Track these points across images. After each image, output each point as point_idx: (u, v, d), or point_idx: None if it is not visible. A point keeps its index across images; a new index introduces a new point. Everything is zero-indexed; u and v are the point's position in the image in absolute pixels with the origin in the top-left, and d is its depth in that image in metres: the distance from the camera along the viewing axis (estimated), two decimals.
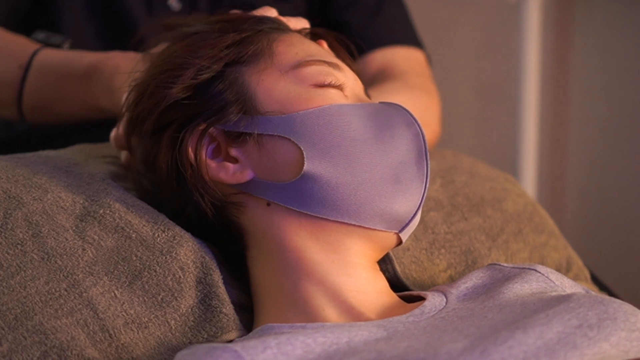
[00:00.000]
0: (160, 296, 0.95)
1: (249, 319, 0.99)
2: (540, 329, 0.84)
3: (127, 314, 0.94)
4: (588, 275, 1.26)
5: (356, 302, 0.95)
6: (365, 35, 1.42)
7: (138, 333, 0.94)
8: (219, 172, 0.98)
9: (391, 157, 0.97)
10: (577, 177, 2.23)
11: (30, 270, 0.94)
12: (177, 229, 1.00)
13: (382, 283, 0.99)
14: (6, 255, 0.94)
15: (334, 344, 0.86)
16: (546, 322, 0.85)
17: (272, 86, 0.99)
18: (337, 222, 0.96)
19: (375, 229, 0.96)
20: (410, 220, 0.97)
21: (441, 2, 2.38)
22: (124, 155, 1.09)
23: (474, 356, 0.81)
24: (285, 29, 1.05)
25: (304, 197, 0.95)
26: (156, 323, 0.94)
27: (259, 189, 0.97)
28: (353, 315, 0.95)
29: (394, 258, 1.08)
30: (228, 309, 0.97)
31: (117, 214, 0.99)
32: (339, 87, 1.00)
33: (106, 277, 0.95)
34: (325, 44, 1.07)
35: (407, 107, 1.01)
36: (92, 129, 1.35)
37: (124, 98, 1.05)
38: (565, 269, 1.22)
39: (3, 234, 0.96)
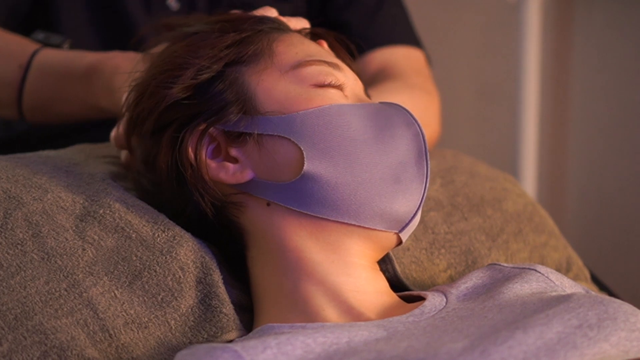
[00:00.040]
0: (160, 296, 0.95)
1: (249, 319, 0.99)
2: (540, 329, 0.84)
3: (127, 314, 0.94)
4: (588, 275, 1.26)
5: (356, 302, 0.95)
6: (364, 35, 1.42)
7: (138, 333, 0.94)
8: (219, 172, 0.98)
9: (391, 157, 0.97)
10: (577, 177, 2.23)
11: (30, 270, 0.94)
12: (177, 229, 1.00)
13: (382, 283, 0.99)
14: (6, 255, 0.94)
15: (334, 344, 0.86)
16: (546, 322, 0.85)
17: (272, 86, 0.99)
18: (337, 222, 0.96)
19: (375, 229, 0.96)
20: (410, 220, 0.97)
21: (441, 2, 2.38)
22: (124, 154, 1.09)
23: (474, 356, 0.81)
24: (285, 29, 1.05)
25: (304, 197, 0.95)
26: (156, 323, 0.95)
27: (259, 189, 0.97)
28: (353, 315, 0.95)
29: (394, 258, 1.08)
30: (228, 309, 0.97)
31: (117, 214, 0.99)
32: (339, 87, 1.00)
33: (106, 277, 0.95)
34: (325, 44, 1.07)
35: (407, 107, 1.01)
36: (92, 129, 1.35)
37: (124, 98, 1.05)
38: (565, 269, 1.22)
39: (3, 234, 0.96)
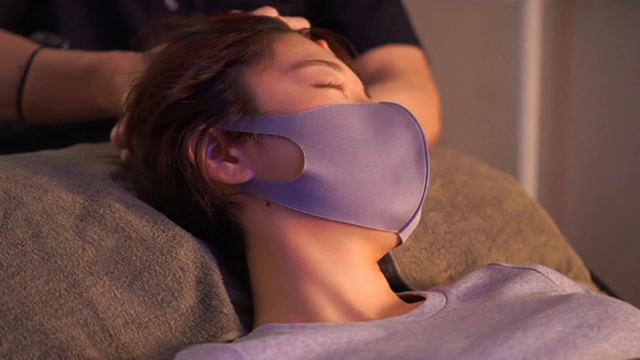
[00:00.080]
0: (160, 296, 0.95)
1: (249, 319, 0.99)
2: (540, 329, 0.84)
3: (127, 314, 0.94)
4: (588, 275, 1.26)
5: (356, 302, 0.95)
6: (363, 35, 1.42)
7: (138, 333, 0.94)
8: (219, 172, 0.98)
9: (391, 157, 0.97)
10: (577, 177, 2.23)
11: (30, 270, 0.94)
12: (177, 229, 1.00)
13: (382, 283, 0.99)
14: (6, 255, 0.94)
15: (334, 343, 0.86)
16: (546, 322, 0.85)
17: (272, 86, 0.99)
18: (337, 222, 0.96)
19: (375, 229, 0.96)
20: (410, 220, 0.97)
21: (441, 3, 2.38)
22: (124, 154, 1.09)
23: (474, 356, 0.81)
24: (285, 29, 1.05)
25: (303, 197, 0.95)
26: (156, 323, 0.94)
27: (259, 189, 0.97)
28: (353, 315, 0.95)
29: (394, 258, 1.08)
30: (228, 309, 0.97)
31: (117, 214, 0.99)
32: (339, 87, 1.00)
33: (106, 277, 0.95)
34: (325, 44, 1.07)
35: (406, 107, 1.01)
36: (92, 129, 1.35)
37: (124, 98, 1.05)
38: (565, 269, 1.22)
39: (3, 234, 0.96)
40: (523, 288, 0.96)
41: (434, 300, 0.95)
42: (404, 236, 0.98)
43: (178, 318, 0.95)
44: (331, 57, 1.03)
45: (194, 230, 1.01)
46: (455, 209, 1.18)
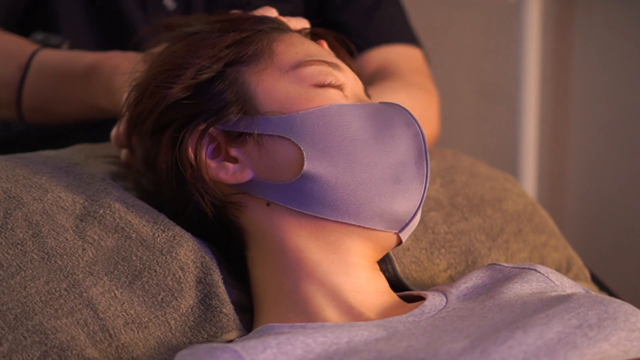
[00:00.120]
0: (160, 296, 0.95)
1: (249, 319, 0.99)
2: (540, 329, 0.84)
3: (127, 314, 0.94)
4: (588, 275, 1.26)
5: (356, 302, 0.95)
6: (362, 34, 1.42)
7: (138, 333, 0.94)
8: (219, 172, 0.98)
9: (391, 157, 0.97)
10: (577, 177, 2.23)
11: (30, 270, 0.94)
12: (177, 229, 1.00)
13: (382, 283, 0.99)
14: (6, 255, 0.94)
15: (334, 343, 0.86)
16: (546, 322, 0.85)
17: (272, 86, 0.99)
18: (337, 222, 0.96)
19: (375, 229, 0.96)
20: (410, 220, 0.97)
21: (441, 2, 2.38)
22: (124, 153, 1.09)
23: (474, 356, 0.81)
24: (285, 29, 1.05)
25: (303, 197, 0.95)
26: (156, 323, 0.94)
27: (259, 189, 0.97)
28: (353, 315, 0.95)
29: (394, 258, 1.08)
30: (228, 309, 0.97)
31: (117, 214, 0.99)
32: (339, 87, 1.00)
33: (106, 277, 0.95)
34: (325, 44, 1.07)
35: (406, 106, 1.01)
36: (92, 129, 1.35)
37: (124, 98, 1.05)
38: (565, 269, 1.22)
39: (3, 234, 0.96)
40: (523, 288, 0.96)
41: (434, 300, 0.95)
42: (404, 236, 0.98)
43: (178, 318, 0.95)
44: (331, 57, 1.03)
45: (194, 230, 1.01)
46: (455, 209, 1.18)
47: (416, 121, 0.99)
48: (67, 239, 0.97)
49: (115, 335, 0.93)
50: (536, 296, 0.93)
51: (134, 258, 0.97)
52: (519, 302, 0.91)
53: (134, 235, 0.98)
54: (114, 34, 1.44)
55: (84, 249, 0.96)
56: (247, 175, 0.97)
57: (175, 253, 0.98)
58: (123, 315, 0.93)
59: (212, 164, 0.98)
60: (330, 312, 0.95)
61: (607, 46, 2.14)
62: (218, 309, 0.96)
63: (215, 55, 0.99)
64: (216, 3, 1.44)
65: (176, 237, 0.99)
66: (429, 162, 0.98)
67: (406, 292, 1.01)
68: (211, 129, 0.98)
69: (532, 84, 2.20)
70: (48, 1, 1.43)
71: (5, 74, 1.28)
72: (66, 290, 0.93)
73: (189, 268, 0.97)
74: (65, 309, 0.92)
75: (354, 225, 0.96)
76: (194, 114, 0.99)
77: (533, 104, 2.21)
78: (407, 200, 0.97)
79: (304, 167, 0.95)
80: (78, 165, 1.07)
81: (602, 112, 2.17)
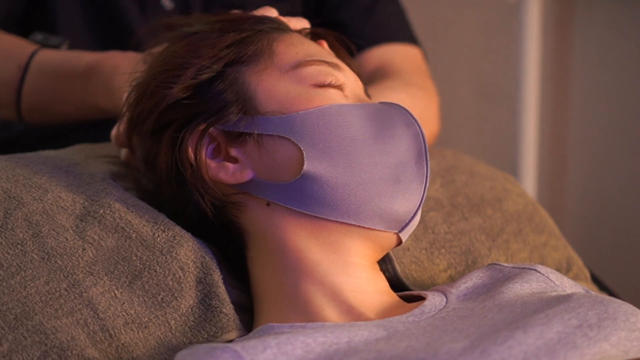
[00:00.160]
0: (160, 296, 0.95)
1: (249, 319, 0.99)
2: (540, 329, 0.84)
3: (127, 314, 0.94)
4: (588, 275, 1.26)
5: (356, 302, 0.95)
6: (361, 34, 1.42)
7: (138, 333, 0.94)
8: (219, 172, 0.98)
9: (391, 157, 0.97)
10: (577, 177, 2.23)
11: (30, 270, 0.94)
12: (177, 229, 1.00)
13: (382, 283, 0.99)
14: (6, 255, 0.94)
15: (334, 343, 0.86)
16: (546, 322, 0.85)
17: (272, 86, 0.99)
18: (337, 222, 0.96)
19: (375, 229, 0.96)
20: (410, 220, 0.97)
21: (441, 2, 2.38)
22: (124, 152, 1.09)
23: (474, 356, 0.81)
24: (285, 29, 1.05)
25: (303, 197, 0.95)
26: (156, 323, 0.94)
27: (259, 189, 0.97)
28: (353, 315, 0.95)
29: (394, 258, 1.08)
30: (228, 309, 0.97)
31: (117, 214, 0.99)
32: (339, 87, 1.00)
33: (106, 277, 0.95)
34: (325, 44, 1.07)
35: (406, 106, 1.01)
36: (92, 129, 1.35)
37: (124, 97, 1.05)
38: (565, 269, 1.22)
39: (3, 234, 0.96)
40: (523, 288, 0.96)
41: (434, 300, 0.95)
42: (404, 236, 0.98)
43: (178, 318, 0.95)
44: (331, 57, 1.03)
45: (194, 230, 1.01)
46: (455, 209, 1.18)
47: (416, 121, 0.99)
48: (67, 239, 0.97)
49: (115, 335, 0.93)
50: (536, 296, 0.93)
51: (134, 258, 0.97)
52: (519, 302, 0.91)
53: (134, 235, 0.98)
54: (113, 34, 1.44)
55: (84, 249, 0.96)
56: (247, 175, 0.97)
57: (175, 253, 0.98)
58: (123, 315, 0.93)
59: (212, 164, 0.98)
60: (330, 312, 0.95)
61: (607, 46, 2.14)
62: (218, 309, 0.96)
63: (215, 55, 0.99)
64: (214, 3, 1.44)
65: (176, 237, 0.99)
66: (429, 162, 0.98)
67: (406, 292, 1.01)
68: (211, 129, 0.98)
69: (532, 84, 2.20)
70: (47, 2, 1.43)
71: (4, 74, 1.28)
72: (66, 290, 0.93)
73: (189, 268, 0.97)
74: (65, 309, 0.92)
75: (353, 225, 0.96)
76: (194, 114, 0.99)
77: (533, 104, 2.21)
78: (407, 200, 0.97)
79: (304, 167, 0.95)
80: (78, 165, 1.07)
81: (602, 112, 2.17)
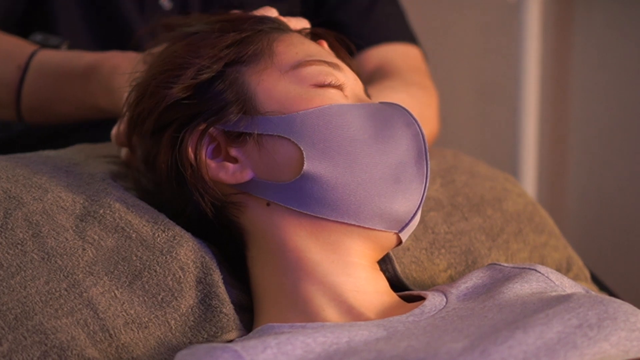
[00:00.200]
0: (161, 296, 0.95)
1: (249, 319, 0.99)
2: (540, 329, 0.84)
3: (127, 314, 0.94)
4: (588, 275, 1.26)
5: (356, 302, 0.95)
6: (360, 33, 1.42)
7: (138, 333, 0.94)
8: (219, 172, 0.98)
9: (391, 157, 0.97)
10: (577, 177, 2.23)
11: (30, 270, 0.94)
12: (177, 229, 1.00)
13: (382, 283, 0.99)
14: (6, 255, 0.94)
15: (334, 343, 0.86)
16: (546, 322, 0.85)
17: (272, 86, 0.99)
18: (337, 222, 0.96)
19: (374, 229, 0.96)
20: (410, 221, 0.97)
21: (441, 2, 2.38)
22: (124, 152, 1.10)
23: (474, 356, 0.81)
24: (285, 28, 1.05)
25: (303, 197, 0.95)
26: (156, 323, 0.94)
27: (259, 189, 0.97)
28: (353, 315, 0.95)
29: (394, 258, 1.08)
30: (228, 309, 0.97)
31: (117, 214, 0.99)
32: (339, 87, 1.00)
33: (106, 277, 0.95)
34: (325, 44, 1.07)
35: (406, 106, 1.01)
36: (92, 129, 1.35)
37: (124, 97, 1.05)
38: (565, 269, 1.22)
39: (3, 234, 0.96)
40: (523, 288, 0.96)
41: (434, 300, 0.95)
42: (404, 236, 0.98)
43: (178, 318, 0.95)
44: (331, 57, 1.03)
45: (194, 230, 1.01)
46: (455, 209, 1.18)
47: (416, 121, 0.99)
48: (67, 239, 0.97)
49: (115, 335, 0.93)
50: (536, 296, 0.93)
51: (134, 258, 0.97)
52: (519, 302, 0.91)
53: (134, 235, 0.98)
54: (112, 34, 1.44)
55: (84, 249, 0.96)
56: (247, 175, 0.97)
57: (175, 253, 0.98)
58: (123, 315, 0.93)
59: (212, 164, 0.98)
60: (330, 312, 0.95)
61: (607, 46, 2.14)
62: (218, 309, 0.96)
63: (215, 55, 0.99)
64: (212, 3, 1.44)
65: (176, 237, 0.99)
66: (429, 162, 0.98)
67: (406, 292, 1.01)
68: (211, 129, 0.98)
69: (532, 84, 2.20)
70: (47, 2, 1.43)
71: (4, 75, 1.28)
72: (66, 290, 0.93)
73: (189, 268, 0.97)
74: (65, 309, 0.92)
75: (353, 225, 0.96)
76: (194, 114, 0.99)
77: (533, 104, 2.21)
78: (407, 200, 0.97)
79: (304, 167, 0.95)
80: (78, 165, 1.07)
81: (602, 112, 2.17)
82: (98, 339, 0.92)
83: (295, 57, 1.00)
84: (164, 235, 0.99)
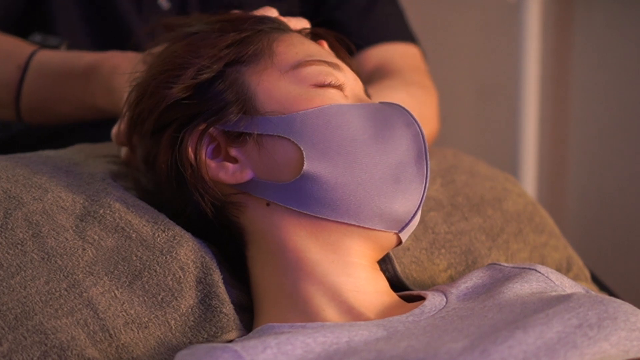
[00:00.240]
0: (161, 296, 0.95)
1: (249, 319, 0.99)
2: (540, 329, 0.84)
3: (127, 314, 0.94)
4: (588, 275, 1.26)
5: (356, 302, 0.95)
6: (359, 33, 1.42)
7: (138, 333, 0.94)
8: (219, 172, 0.98)
9: (391, 157, 0.97)
10: (577, 177, 2.23)
11: (30, 270, 0.94)
12: (177, 228, 1.00)
13: (382, 283, 0.99)
14: (6, 255, 0.94)
15: (334, 343, 0.86)
16: (546, 322, 0.85)
17: (272, 86, 0.99)
18: (337, 222, 0.96)
19: (374, 229, 0.96)
20: (409, 221, 0.97)
21: (441, 2, 2.38)
22: (124, 151, 1.10)
23: (474, 356, 0.81)
24: (285, 29, 1.05)
25: (303, 197, 0.95)
26: (156, 323, 0.94)
27: (259, 189, 0.97)
28: (353, 315, 0.94)
29: (394, 258, 1.08)
30: (228, 309, 0.97)
31: (117, 214, 0.99)
32: (339, 87, 1.00)
33: (106, 277, 0.95)
34: (325, 44, 1.07)
35: (405, 105, 1.01)
36: (91, 129, 1.35)
37: (124, 97, 1.05)
38: (565, 269, 1.22)
39: (3, 234, 0.96)
40: (523, 288, 0.96)
41: (434, 300, 0.95)
42: (404, 236, 0.98)
43: (178, 318, 0.95)
44: (331, 57, 1.03)
45: (194, 230, 1.01)
46: (456, 208, 1.18)
47: (416, 121, 0.99)
48: (67, 239, 0.97)
49: (115, 335, 0.93)
50: (536, 296, 0.93)
51: (134, 258, 0.97)
52: (519, 302, 0.91)
53: (134, 235, 0.98)
54: (110, 34, 1.44)
55: (84, 249, 0.96)
56: (246, 175, 0.97)
57: (175, 253, 0.98)
58: (123, 315, 0.93)
59: (212, 164, 0.98)
60: (330, 312, 0.95)
61: (607, 46, 2.14)
62: (218, 309, 0.96)
63: (216, 55, 0.99)
64: (210, 3, 1.44)
65: (176, 237, 0.99)
66: (428, 162, 0.98)
67: (406, 292, 1.01)
68: (211, 129, 0.98)
69: (532, 84, 2.20)
70: (45, 2, 1.43)
71: (3, 75, 1.28)
72: (66, 290, 0.93)
73: (189, 268, 0.97)
74: (65, 309, 0.92)
75: (353, 225, 0.96)
76: (194, 114, 0.99)
77: (533, 104, 2.21)
78: (406, 200, 0.97)
79: (304, 167, 0.95)
80: (78, 165, 1.07)
81: (602, 112, 2.17)
82: (98, 339, 0.92)
83: (295, 57, 1.00)
84: (164, 235, 0.99)
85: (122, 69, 1.13)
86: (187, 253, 0.98)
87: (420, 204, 0.98)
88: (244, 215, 0.98)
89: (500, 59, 2.32)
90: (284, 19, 1.07)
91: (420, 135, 0.98)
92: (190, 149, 0.98)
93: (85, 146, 1.16)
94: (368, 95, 1.04)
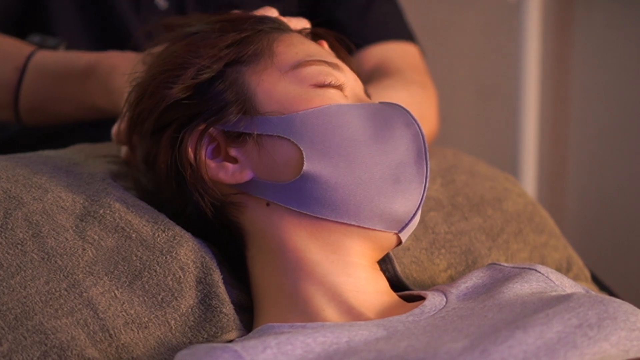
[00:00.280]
0: (161, 296, 0.95)
1: (249, 319, 0.99)
2: (540, 329, 0.84)
3: (127, 314, 0.94)
4: (588, 275, 1.26)
5: (356, 302, 0.95)
6: (358, 32, 1.42)
7: (138, 333, 0.94)
8: (219, 172, 0.98)
9: (390, 158, 0.97)
10: (577, 177, 2.23)
11: (30, 270, 0.94)
12: (177, 229, 1.00)
13: (382, 283, 0.99)
14: (6, 255, 0.94)
15: (334, 343, 0.86)
16: (546, 322, 0.85)
17: (272, 86, 0.98)
18: (337, 222, 0.96)
19: (374, 229, 0.96)
20: (409, 221, 0.97)
21: (441, 2, 2.38)
22: (124, 150, 1.10)
23: (474, 356, 0.81)
24: (285, 29, 1.05)
25: (303, 197, 0.95)
26: (156, 323, 0.94)
27: (259, 189, 0.97)
28: (353, 315, 0.94)
29: (394, 258, 1.08)
30: (228, 309, 0.97)
31: (117, 214, 0.99)
32: (339, 87, 1.00)
33: (106, 277, 0.95)
34: (325, 44, 1.07)
35: (405, 104, 1.01)
36: (91, 129, 1.35)
37: (123, 97, 1.05)
38: (565, 269, 1.22)
39: (3, 234, 0.96)
40: (523, 288, 0.96)
41: (434, 300, 0.95)
42: (404, 236, 0.98)
43: (178, 318, 0.95)
44: (331, 57, 1.03)
45: (194, 230, 1.01)
46: (456, 208, 1.18)
47: (416, 121, 0.99)
48: (67, 239, 0.97)
49: (115, 335, 0.93)
50: (536, 296, 0.93)
51: (134, 258, 0.97)
52: (519, 302, 0.91)
53: (134, 235, 0.98)
54: (109, 34, 1.44)
55: (84, 249, 0.96)
56: (246, 175, 0.97)
57: (175, 253, 0.98)
58: (123, 315, 0.93)
59: (212, 164, 0.98)
60: (330, 312, 0.95)
61: (607, 46, 2.14)
62: (218, 309, 0.96)
63: (216, 55, 0.99)
64: (208, 3, 1.44)
65: (176, 237, 0.99)
66: (428, 162, 0.98)
67: (406, 292, 1.01)
68: (211, 129, 0.98)
69: (532, 84, 2.20)
70: (44, 3, 1.43)
71: (2, 75, 1.28)
72: (66, 290, 0.93)
73: (189, 268, 0.97)
74: (65, 309, 0.92)
75: (353, 225, 0.96)
76: (193, 114, 0.99)
77: (533, 104, 2.21)
78: (406, 200, 0.97)
79: (304, 168, 0.95)
80: (78, 165, 1.07)
81: (602, 112, 2.17)
82: (98, 339, 0.92)
83: (295, 57, 1.00)
84: (164, 235, 0.99)
85: (121, 69, 1.13)
86: (187, 253, 0.98)
87: (420, 204, 0.98)
88: (244, 215, 0.98)
89: (500, 59, 2.32)
90: (284, 19, 1.07)
91: (420, 135, 0.98)
92: (190, 149, 0.98)
93: (85, 146, 1.16)
94: (368, 95, 1.04)
